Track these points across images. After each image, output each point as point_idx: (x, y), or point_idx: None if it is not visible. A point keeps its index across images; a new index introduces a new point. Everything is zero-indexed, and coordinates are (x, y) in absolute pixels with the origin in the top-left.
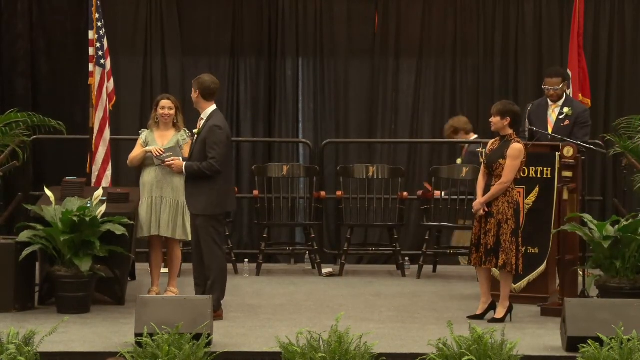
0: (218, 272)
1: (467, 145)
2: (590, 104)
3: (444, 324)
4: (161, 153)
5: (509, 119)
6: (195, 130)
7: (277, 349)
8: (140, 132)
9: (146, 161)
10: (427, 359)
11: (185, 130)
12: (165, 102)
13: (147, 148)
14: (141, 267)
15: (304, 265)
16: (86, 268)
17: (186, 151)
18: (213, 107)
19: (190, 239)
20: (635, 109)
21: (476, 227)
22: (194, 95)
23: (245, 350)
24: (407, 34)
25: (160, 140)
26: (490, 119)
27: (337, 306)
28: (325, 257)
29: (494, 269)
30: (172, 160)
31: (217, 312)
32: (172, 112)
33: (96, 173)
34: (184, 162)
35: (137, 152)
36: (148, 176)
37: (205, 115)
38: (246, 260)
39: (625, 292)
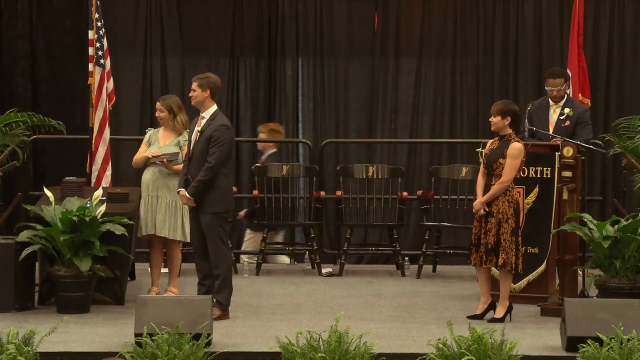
0: (226, 271)
1: None
2: (590, 104)
3: (443, 324)
4: (158, 156)
5: (509, 118)
6: (198, 128)
7: (277, 349)
8: (146, 130)
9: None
10: (427, 359)
11: (187, 132)
12: (157, 104)
13: (147, 153)
14: (141, 267)
15: (304, 265)
16: (86, 268)
17: (184, 153)
18: (215, 106)
19: (189, 240)
20: (635, 109)
21: (476, 227)
22: (203, 93)
23: (245, 350)
24: (407, 34)
25: (163, 140)
26: (490, 119)
27: (337, 306)
28: (325, 257)
29: (493, 269)
30: (184, 198)
31: (226, 312)
32: (163, 114)
33: (96, 173)
34: (187, 192)
35: (140, 154)
36: (146, 175)
37: (207, 114)
38: (246, 260)
39: (625, 292)
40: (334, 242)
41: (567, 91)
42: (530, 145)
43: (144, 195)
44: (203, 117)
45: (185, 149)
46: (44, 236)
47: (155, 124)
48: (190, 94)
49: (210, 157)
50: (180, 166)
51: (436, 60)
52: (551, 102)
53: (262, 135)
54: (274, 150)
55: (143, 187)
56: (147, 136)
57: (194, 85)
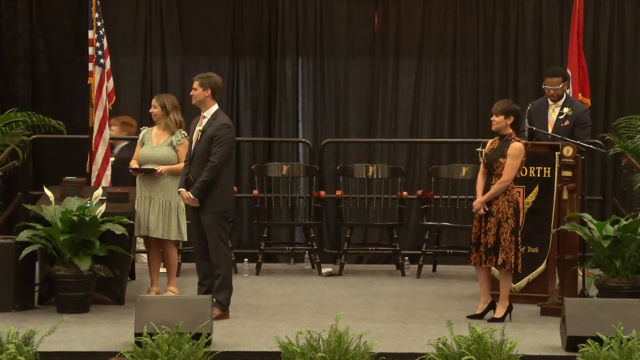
0: (226, 270)
1: None
2: (590, 103)
3: (443, 324)
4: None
5: (512, 118)
6: (199, 127)
7: (277, 349)
8: (141, 129)
9: (140, 160)
10: (427, 359)
11: (180, 131)
12: (153, 101)
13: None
14: (141, 267)
15: (304, 265)
16: (86, 268)
17: (182, 153)
18: (216, 106)
19: (186, 239)
20: (635, 108)
21: (476, 227)
22: (204, 93)
23: (245, 349)
24: (407, 34)
25: (156, 139)
26: (492, 118)
27: (337, 306)
28: (325, 256)
29: (493, 269)
30: (187, 199)
31: (226, 312)
32: (156, 110)
33: (96, 173)
34: (190, 193)
35: (133, 161)
36: (139, 176)
37: (209, 113)
38: (246, 259)
39: (625, 292)
40: (334, 242)
41: (567, 91)
42: (530, 145)
43: (137, 196)
44: (204, 117)
45: (181, 149)
46: (44, 236)
47: (154, 123)
48: (191, 93)
49: (212, 157)
50: (176, 167)
51: (436, 60)
52: (550, 102)
53: (114, 128)
54: (125, 143)
55: (137, 187)
56: (140, 135)
57: (195, 84)
